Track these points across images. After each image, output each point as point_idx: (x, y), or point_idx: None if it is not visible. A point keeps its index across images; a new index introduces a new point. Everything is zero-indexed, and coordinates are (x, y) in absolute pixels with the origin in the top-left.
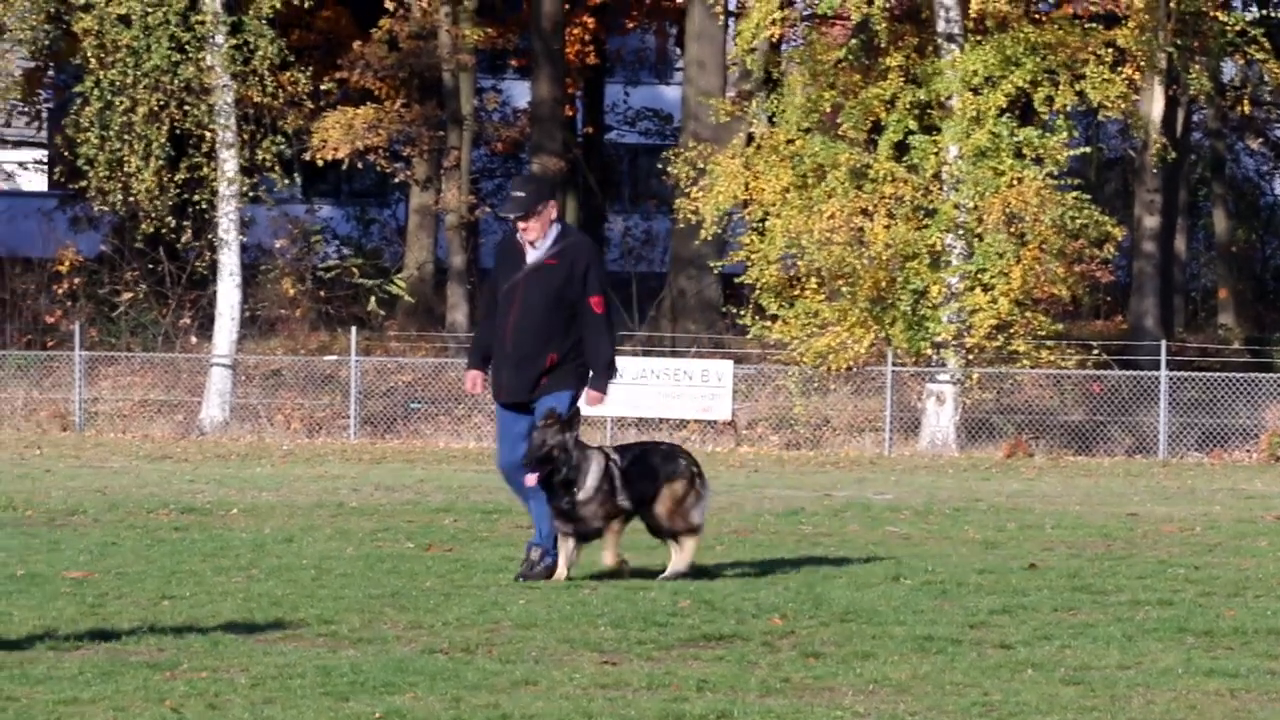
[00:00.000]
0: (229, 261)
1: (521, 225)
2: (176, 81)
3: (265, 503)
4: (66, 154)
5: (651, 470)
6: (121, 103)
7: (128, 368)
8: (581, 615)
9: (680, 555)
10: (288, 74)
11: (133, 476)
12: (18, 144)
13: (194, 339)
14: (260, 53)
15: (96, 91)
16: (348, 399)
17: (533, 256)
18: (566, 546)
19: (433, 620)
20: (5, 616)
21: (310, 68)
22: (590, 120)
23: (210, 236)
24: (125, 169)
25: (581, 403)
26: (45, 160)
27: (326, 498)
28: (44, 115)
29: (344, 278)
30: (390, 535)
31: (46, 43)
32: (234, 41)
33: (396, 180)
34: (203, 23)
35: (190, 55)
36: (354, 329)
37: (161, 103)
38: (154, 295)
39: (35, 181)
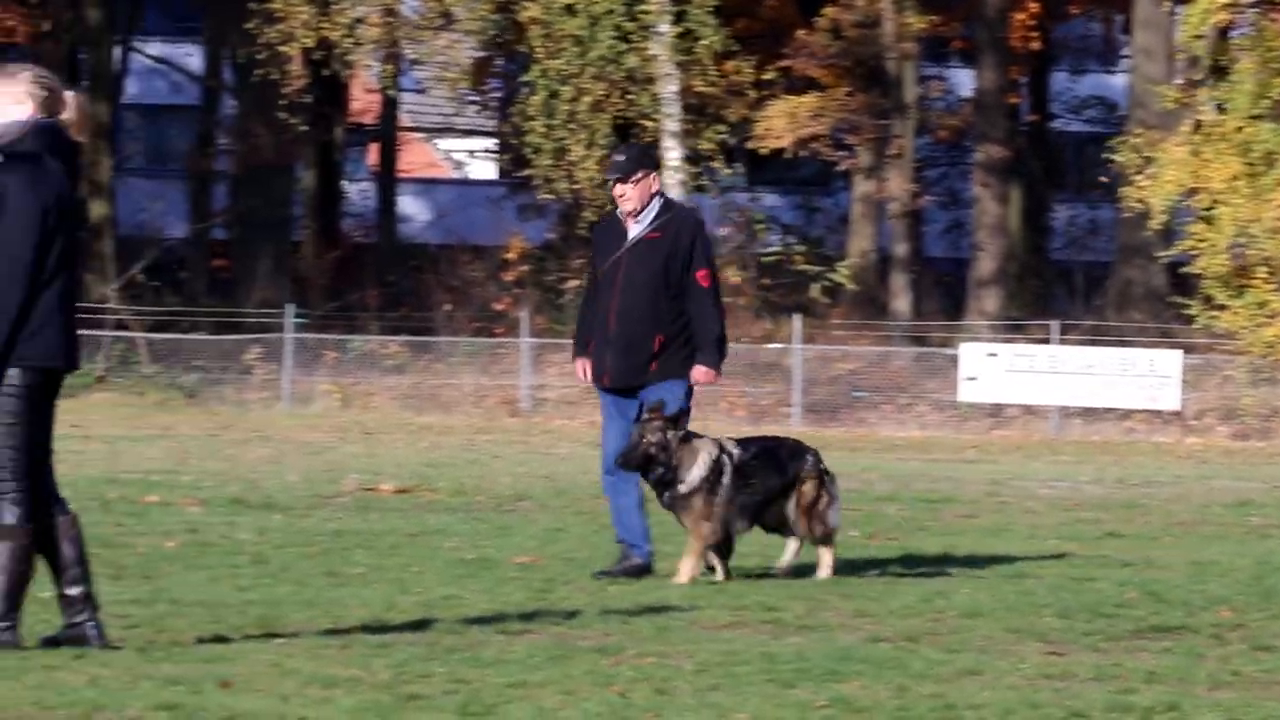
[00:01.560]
0: None
1: (619, 190)
2: (620, 71)
3: None
4: (513, 142)
5: (778, 466)
6: (567, 91)
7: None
8: (1027, 605)
9: (824, 562)
10: (731, 63)
11: (579, 463)
12: (468, 133)
13: None
14: (704, 42)
15: (542, 80)
16: (791, 387)
17: (634, 232)
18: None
19: (877, 609)
20: (456, 600)
21: (754, 57)
22: (1035, 108)
23: None
24: (569, 157)
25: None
26: (494, 149)
27: None
28: (493, 104)
29: (787, 265)
30: None
31: (495, 32)
32: (678, 30)
33: (840, 168)
34: (647, 12)
35: (634, 44)
36: (797, 317)
37: (606, 92)
38: None
39: (485, 170)
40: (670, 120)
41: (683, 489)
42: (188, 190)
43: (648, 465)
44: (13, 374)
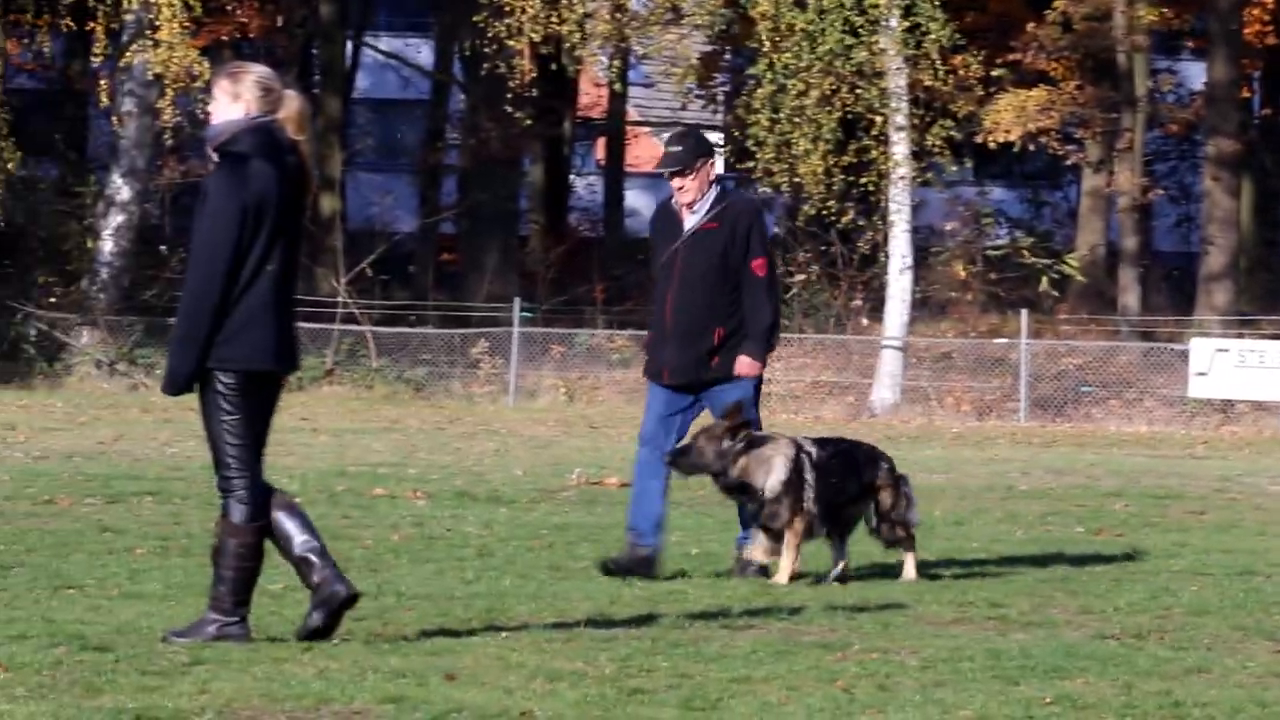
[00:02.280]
0: (899, 244)
1: (677, 183)
2: (848, 65)
3: (935, 485)
4: (736, 135)
5: (854, 467)
6: (794, 86)
7: (800, 349)
8: (1255, 603)
9: (908, 565)
10: (960, 57)
11: None
12: (695, 127)
13: (865, 321)
14: (932, 36)
15: (769, 74)
16: (1018, 382)
17: (691, 222)
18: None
19: (1103, 605)
20: (680, 594)
21: (983, 51)
22: (1268, 102)
23: (876, 218)
24: (793, 151)
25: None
26: (721, 143)
27: (996, 480)
28: (720, 98)
29: (1014, 259)
30: (1060, 519)
31: (723, 27)
32: (906, 25)
33: (1069, 162)
34: (876, 5)
35: (863, 39)
36: (1025, 311)
37: (833, 86)
38: (826, 277)
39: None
40: (898, 115)
41: (768, 495)
42: (417, 185)
43: (696, 472)
44: (220, 375)
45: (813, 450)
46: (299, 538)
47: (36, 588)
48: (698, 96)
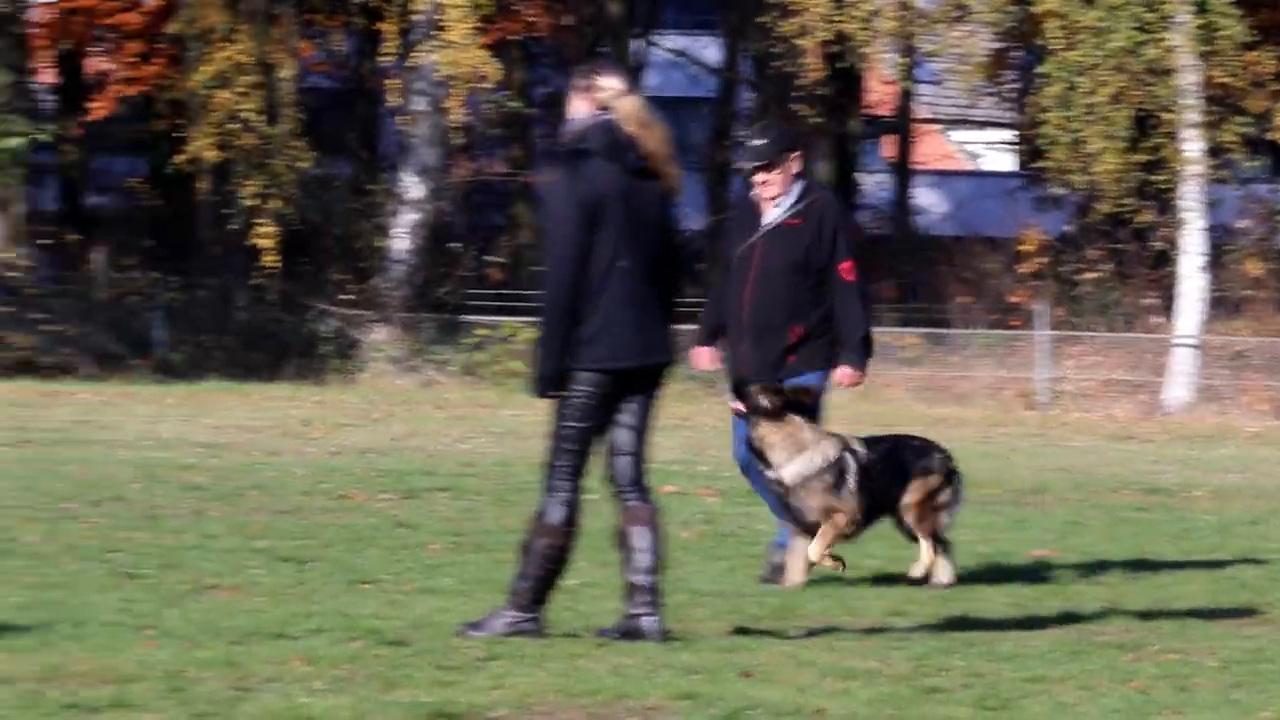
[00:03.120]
0: (1192, 242)
1: (760, 178)
2: (1140, 62)
3: (1231, 485)
4: (1028, 134)
5: (902, 466)
6: (1084, 83)
7: (1091, 347)
8: None
9: (921, 560)
10: (1253, 54)
11: (1096, 456)
12: (983, 124)
13: (1157, 319)
14: (1225, 32)
15: (1059, 72)
16: None
17: (771, 216)
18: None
19: None
20: (973, 593)
21: (1277, 48)
22: None
23: (1168, 216)
24: (1086, 149)
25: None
26: (1011, 141)
27: None
28: (1009, 96)
29: None
30: None
31: (1012, 24)
32: (1199, 21)
33: None
34: (1166, 2)
35: (1154, 35)
36: None
37: (1125, 84)
38: (1117, 275)
39: (1000, 162)
40: (1190, 112)
41: (788, 481)
42: (705, 182)
43: (747, 405)
44: (580, 375)
45: (860, 450)
46: (644, 564)
47: (333, 582)
48: (987, 94)
